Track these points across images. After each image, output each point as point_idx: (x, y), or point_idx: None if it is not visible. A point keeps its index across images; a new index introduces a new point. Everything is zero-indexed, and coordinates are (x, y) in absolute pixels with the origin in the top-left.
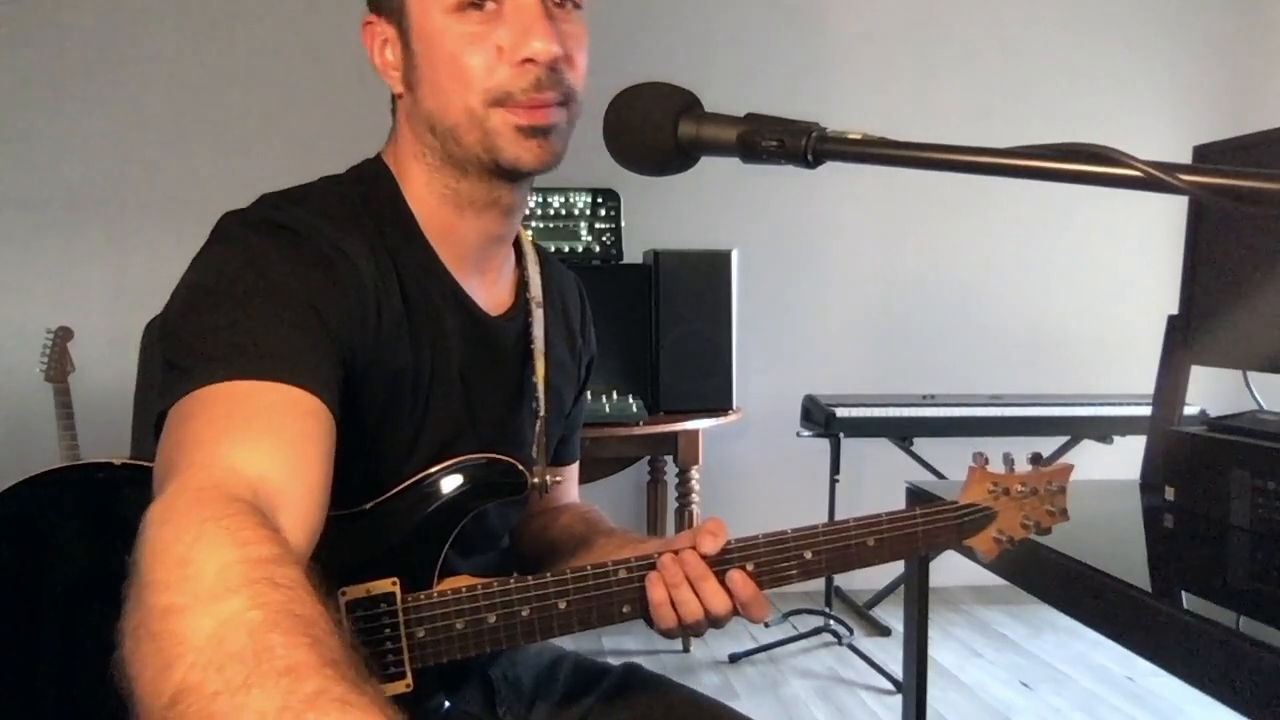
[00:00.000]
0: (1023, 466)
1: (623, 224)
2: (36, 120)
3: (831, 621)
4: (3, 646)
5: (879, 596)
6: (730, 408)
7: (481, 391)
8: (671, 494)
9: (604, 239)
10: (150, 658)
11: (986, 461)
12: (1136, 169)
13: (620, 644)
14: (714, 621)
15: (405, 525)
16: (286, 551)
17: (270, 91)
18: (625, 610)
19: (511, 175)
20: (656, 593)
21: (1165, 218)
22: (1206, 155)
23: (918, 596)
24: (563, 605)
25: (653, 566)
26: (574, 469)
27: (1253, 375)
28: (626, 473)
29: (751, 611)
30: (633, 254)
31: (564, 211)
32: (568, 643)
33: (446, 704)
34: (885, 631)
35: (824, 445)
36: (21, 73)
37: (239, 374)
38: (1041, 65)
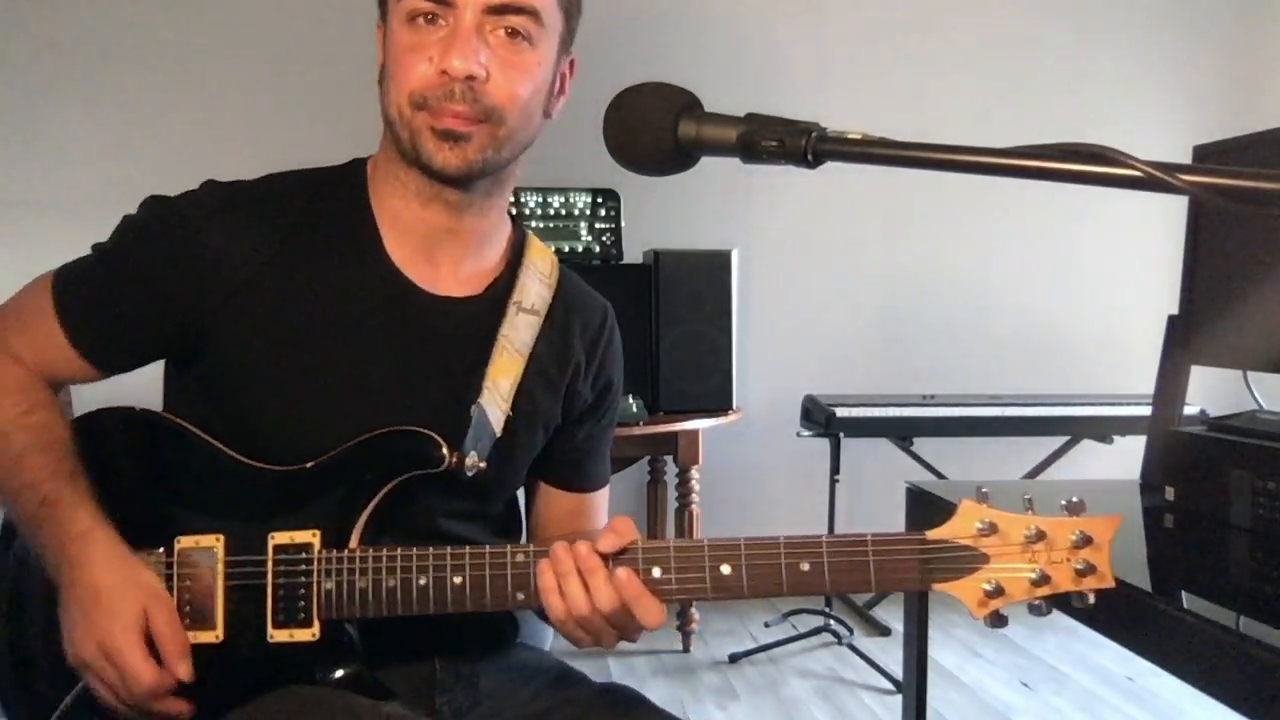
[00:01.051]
0: (1054, 512)
1: (623, 224)
2: (36, 120)
3: (831, 621)
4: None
5: (879, 596)
6: (730, 408)
7: (418, 366)
8: (671, 494)
9: (604, 239)
10: None
11: (985, 496)
12: (1136, 169)
13: (621, 644)
14: (610, 620)
15: (334, 486)
16: (41, 400)
17: (271, 91)
18: (519, 596)
19: (435, 176)
20: (545, 579)
21: (1165, 218)
22: (1206, 155)
23: (918, 596)
24: (457, 580)
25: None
26: (594, 498)
27: (1253, 375)
28: (626, 473)
29: (638, 610)
30: (633, 254)
31: (564, 211)
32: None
33: (360, 663)
34: (885, 631)
35: (824, 445)
36: (21, 73)
37: (60, 306)
38: (1041, 65)
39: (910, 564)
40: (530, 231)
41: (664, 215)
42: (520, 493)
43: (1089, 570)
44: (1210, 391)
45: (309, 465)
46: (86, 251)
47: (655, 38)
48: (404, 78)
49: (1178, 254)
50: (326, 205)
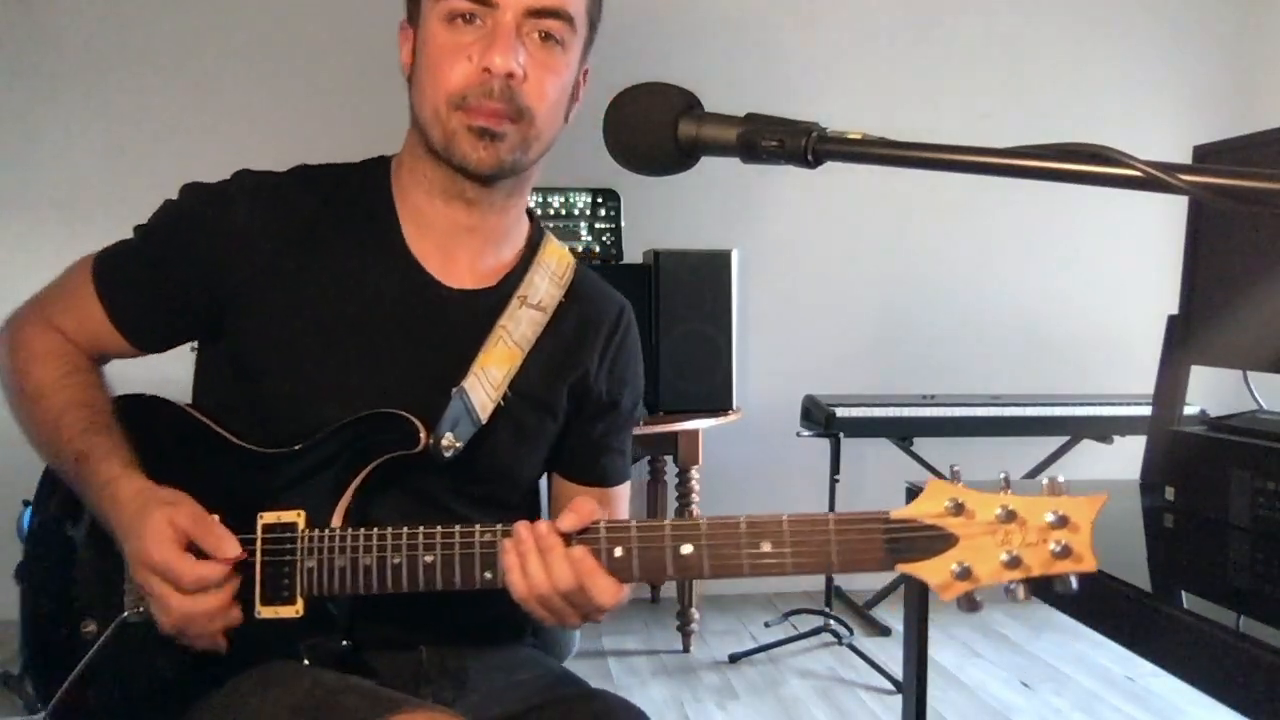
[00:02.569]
0: (1031, 491)
1: (623, 224)
2: (36, 120)
3: (831, 621)
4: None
5: (879, 596)
6: (730, 408)
7: (420, 351)
8: (671, 494)
9: (604, 239)
10: (30, 419)
11: (956, 475)
12: (1136, 169)
13: (621, 643)
14: (568, 598)
15: (321, 467)
16: (80, 365)
17: (271, 91)
18: (486, 576)
19: (466, 173)
20: (508, 558)
21: (1165, 218)
22: (1206, 155)
23: (917, 596)
24: (429, 559)
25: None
26: (612, 493)
27: (1253, 375)
28: None
29: (592, 588)
30: (633, 254)
31: (564, 211)
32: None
33: (345, 643)
34: (885, 631)
35: (824, 445)
36: (22, 73)
37: (99, 284)
38: (1041, 65)
39: (874, 544)
40: (549, 232)
41: (664, 215)
42: (544, 485)
43: (1066, 553)
44: (1210, 391)
45: (297, 448)
46: (85, 248)
47: (655, 38)
48: (443, 78)
49: (1178, 254)
50: (350, 196)
